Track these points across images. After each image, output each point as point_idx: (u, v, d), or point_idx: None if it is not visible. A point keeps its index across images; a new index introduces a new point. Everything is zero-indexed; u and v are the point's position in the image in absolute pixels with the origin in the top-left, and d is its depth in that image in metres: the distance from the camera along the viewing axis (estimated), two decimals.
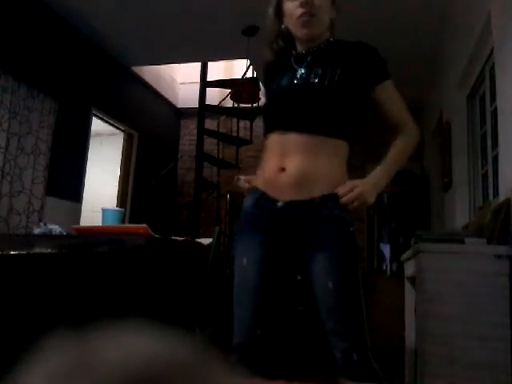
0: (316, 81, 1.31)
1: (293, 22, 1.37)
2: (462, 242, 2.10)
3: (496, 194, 2.70)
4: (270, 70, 1.53)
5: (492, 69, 2.72)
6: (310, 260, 1.26)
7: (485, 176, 3.16)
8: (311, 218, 1.27)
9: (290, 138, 1.30)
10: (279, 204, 1.29)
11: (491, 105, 2.90)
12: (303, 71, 1.36)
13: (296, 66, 1.40)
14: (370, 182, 1.31)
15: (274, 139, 1.35)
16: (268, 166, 1.35)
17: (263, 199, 1.35)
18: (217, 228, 1.99)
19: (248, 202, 1.43)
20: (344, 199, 1.26)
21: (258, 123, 6.40)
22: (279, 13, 1.41)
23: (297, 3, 1.33)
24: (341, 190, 1.26)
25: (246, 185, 1.47)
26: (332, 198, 1.27)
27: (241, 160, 6.10)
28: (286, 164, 1.29)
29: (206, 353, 0.29)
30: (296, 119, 1.31)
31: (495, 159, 2.75)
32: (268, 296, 1.32)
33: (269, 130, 1.39)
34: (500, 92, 2.47)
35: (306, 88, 1.33)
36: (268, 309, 1.32)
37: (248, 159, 6.53)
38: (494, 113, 2.73)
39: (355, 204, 1.27)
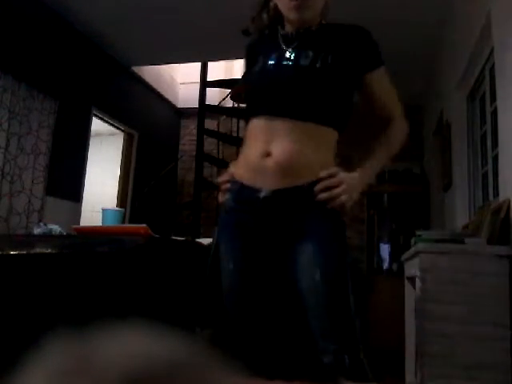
0: (307, 63, 1.21)
1: (284, 3, 1.26)
2: (462, 242, 2.10)
3: (496, 194, 2.70)
4: (253, 49, 1.44)
5: (492, 69, 2.72)
6: (296, 252, 1.16)
7: (485, 176, 3.16)
8: (298, 208, 1.16)
9: (276, 123, 1.19)
10: (262, 193, 1.17)
11: (491, 105, 2.90)
12: (293, 53, 1.26)
13: (284, 47, 1.29)
14: (356, 177, 1.21)
15: (258, 124, 1.23)
16: (250, 152, 1.23)
17: (243, 190, 1.22)
18: (217, 228, 1.98)
19: (227, 197, 1.27)
20: (320, 187, 1.15)
21: None
22: None
23: None
24: (323, 174, 1.16)
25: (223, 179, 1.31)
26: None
27: None
28: (271, 149, 1.17)
29: (206, 353, 0.29)
30: (284, 103, 1.20)
31: (495, 159, 2.75)
32: (259, 301, 1.26)
33: (252, 114, 1.27)
34: (500, 92, 2.47)
35: (296, 70, 1.23)
36: (261, 314, 1.27)
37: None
38: (494, 113, 2.72)
39: (343, 198, 1.15)
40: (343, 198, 1.16)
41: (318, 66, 1.20)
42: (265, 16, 1.39)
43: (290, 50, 1.27)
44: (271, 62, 1.28)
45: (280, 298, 1.30)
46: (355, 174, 1.21)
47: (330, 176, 1.16)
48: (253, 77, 1.35)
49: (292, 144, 1.17)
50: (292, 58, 1.25)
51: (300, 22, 1.28)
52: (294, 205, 1.17)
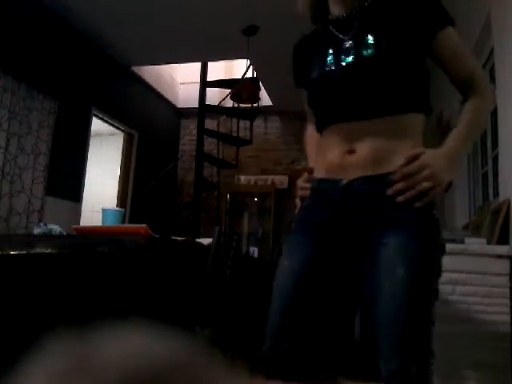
0: (371, 52, 1.05)
1: None
2: (462, 242, 2.10)
3: (496, 194, 2.70)
4: (303, 48, 1.25)
5: (492, 69, 2.72)
6: (376, 243, 0.99)
7: (485, 176, 3.16)
8: (382, 195, 1.01)
9: (355, 125, 1.06)
10: (343, 182, 1.05)
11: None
12: (351, 42, 1.09)
13: (340, 36, 1.12)
14: (442, 155, 1.02)
15: (334, 130, 1.10)
16: (330, 152, 1.10)
17: (322, 184, 1.11)
18: (217, 228, 1.98)
19: (308, 197, 1.16)
20: (398, 177, 0.98)
21: (258, 123, 6.41)
22: None
23: None
24: (404, 161, 0.99)
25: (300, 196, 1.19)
26: None
27: (241, 160, 6.10)
28: (355, 147, 1.05)
29: (206, 353, 0.29)
30: (357, 105, 1.06)
31: (495, 159, 2.75)
32: (308, 303, 1.06)
33: (323, 123, 1.14)
34: (500, 92, 2.47)
35: (360, 64, 1.07)
36: (305, 319, 1.06)
37: (248, 159, 6.54)
38: (494, 113, 2.72)
39: (424, 185, 0.97)
40: (425, 184, 0.98)
41: (384, 50, 1.05)
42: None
43: (347, 38, 1.10)
44: (329, 61, 1.11)
45: (340, 296, 1.13)
46: (440, 151, 1.03)
47: (412, 160, 1.00)
48: (314, 82, 1.17)
49: (376, 140, 1.04)
50: (351, 51, 1.08)
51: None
52: (377, 192, 1.02)
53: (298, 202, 1.20)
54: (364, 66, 1.06)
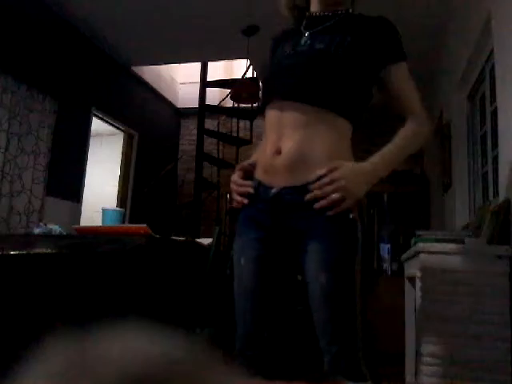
0: (322, 47, 1.18)
1: None
2: (462, 242, 2.10)
3: (496, 194, 2.70)
4: (276, 42, 1.41)
5: (492, 69, 2.72)
6: (302, 251, 1.12)
7: (485, 176, 3.16)
8: (305, 205, 1.11)
9: (286, 111, 1.16)
10: (272, 191, 1.15)
11: (491, 105, 2.90)
12: (309, 38, 1.23)
13: (304, 31, 1.26)
14: (358, 169, 1.11)
15: (271, 115, 1.21)
16: (264, 149, 1.22)
17: (260, 188, 1.21)
18: (217, 228, 1.99)
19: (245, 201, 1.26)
20: (315, 186, 1.08)
21: (258, 123, 6.41)
22: None
23: None
24: (316, 174, 1.09)
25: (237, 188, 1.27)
26: None
27: (241, 160, 6.09)
28: (281, 145, 1.15)
29: (206, 353, 0.29)
30: (294, 87, 1.16)
31: (495, 159, 2.75)
32: (268, 296, 1.21)
33: (266, 102, 1.24)
34: (500, 92, 2.47)
35: (309, 54, 1.19)
36: (269, 310, 1.22)
37: (248, 159, 6.53)
38: (494, 113, 2.72)
39: (333, 196, 1.06)
40: (334, 196, 1.07)
41: (332, 49, 1.16)
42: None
43: (307, 34, 1.24)
44: (286, 48, 1.27)
45: (288, 295, 1.26)
46: (359, 166, 1.12)
47: (330, 172, 1.09)
48: (268, 68, 1.32)
49: (302, 136, 1.13)
50: (308, 42, 1.22)
51: (328, 2, 1.26)
52: (300, 202, 1.12)
53: (238, 198, 1.26)
54: (311, 54, 1.18)
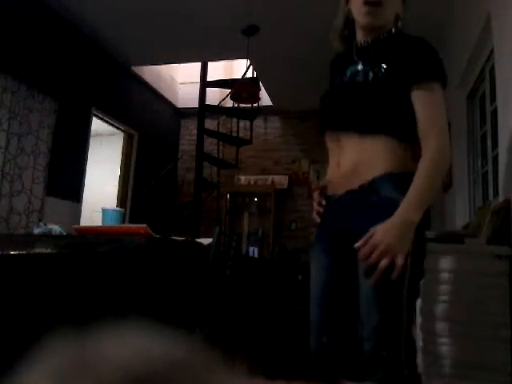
0: (361, 80, 1.26)
1: (357, 8, 1.28)
2: (462, 242, 2.09)
3: (496, 194, 2.70)
4: (334, 65, 1.46)
5: (492, 69, 2.72)
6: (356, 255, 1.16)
7: (485, 176, 3.16)
8: (359, 205, 1.18)
9: (341, 137, 1.27)
10: (334, 198, 1.28)
11: (491, 105, 2.90)
12: (359, 67, 1.29)
13: (356, 59, 1.32)
14: (392, 227, 1.09)
15: (329, 139, 1.33)
16: (329, 166, 1.35)
17: (326, 200, 1.34)
18: (217, 228, 1.98)
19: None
20: (360, 256, 1.09)
21: (258, 123, 6.41)
22: None
23: None
24: (359, 243, 1.11)
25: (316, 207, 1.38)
26: (384, 178, 1.16)
27: (241, 160, 6.10)
28: (340, 160, 1.27)
29: (206, 353, 0.29)
30: (342, 120, 1.27)
31: (495, 159, 2.75)
32: (334, 304, 1.26)
33: (321, 131, 1.37)
34: (500, 92, 2.47)
35: (352, 87, 1.29)
36: (336, 317, 1.26)
37: (248, 159, 6.54)
38: (494, 113, 2.72)
39: (382, 264, 1.06)
40: (383, 263, 1.06)
41: (370, 80, 1.23)
42: (338, 21, 1.38)
43: (359, 63, 1.30)
44: (337, 82, 1.36)
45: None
46: (390, 223, 1.10)
47: (365, 242, 1.09)
48: (325, 95, 1.39)
49: (356, 152, 1.23)
50: (351, 74, 1.30)
51: (370, 27, 1.30)
52: (355, 203, 1.19)
53: (315, 217, 1.39)
54: (353, 89, 1.28)
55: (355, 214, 1.20)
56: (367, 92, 1.23)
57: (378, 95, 1.21)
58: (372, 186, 1.18)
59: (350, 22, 1.35)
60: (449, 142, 1.18)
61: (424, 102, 1.18)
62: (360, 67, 1.29)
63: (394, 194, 1.14)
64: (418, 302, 2.11)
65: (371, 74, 1.23)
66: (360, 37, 1.34)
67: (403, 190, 1.12)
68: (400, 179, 1.18)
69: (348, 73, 1.33)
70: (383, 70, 1.22)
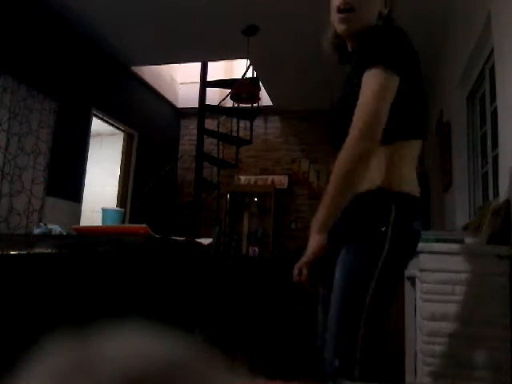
0: (347, 89, 1.22)
1: (333, 18, 1.26)
2: (462, 241, 2.10)
3: (496, 194, 2.70)
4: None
5: (492, 69, 2.72)
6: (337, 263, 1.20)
7: (485, 176, 3.16)
8: (347, 215, 1.16)
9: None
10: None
11: (491, 105, 2.90)
12: (349, 75, 1.26)
13: (348, 70, 1.29)
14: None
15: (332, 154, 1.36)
16: None
17: None
18: (217, 228, 1.98)
19: None
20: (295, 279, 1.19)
21: (258, 123, 6.41)
22: None
23: None
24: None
25: None
26: (373, 193, 1.15)
27: (241, 160, 6.10)
28: None
29: (206, 353, 0.29)
30: (333, 136, 1.28)
31: (495, 159, 2.75)
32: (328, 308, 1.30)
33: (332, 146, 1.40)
34: (500, 92, 2.47)
35: (340, 99, 1.26)
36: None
37: (248, 159, 6.54)
38: (494, 113, 2.72)
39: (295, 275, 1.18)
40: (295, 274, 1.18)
41: (346, 91, 1.21)
42: (328, 33, 1.36)
43: (350, 70, 1.26)
44: (343, 91, 1.30)
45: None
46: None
47: None
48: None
49: None
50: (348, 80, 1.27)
51: (347, 35, 1.26)
52: (346, 214, 1.17)
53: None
54: (341, 101, 1.24)
55: (342, 216, 1.17)
56: (346, 102, 1.18)
57: (352, 102, 1.13)
58: (364, 196, 1.16)
59: (335, 34, 1.34)
60: (369, 128, 1.07)
61: (361, 92, 1.09)
62: (350, 75, 1.26)
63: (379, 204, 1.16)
64: (418, 304, 2.11)
65: (355, 80, 1.16)
66: (348, 44, 1.32)
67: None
68: (380, 194, 1.16)
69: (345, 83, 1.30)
70: (350, 77, 1.20)
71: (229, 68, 6.44)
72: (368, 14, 1.22)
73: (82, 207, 4.76)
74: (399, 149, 1.18)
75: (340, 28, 1.24)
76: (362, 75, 1.10)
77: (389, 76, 1.08)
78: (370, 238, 1.14)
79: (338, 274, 1.15)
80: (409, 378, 2.78)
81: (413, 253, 1.24)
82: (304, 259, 1.16)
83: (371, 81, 1.08)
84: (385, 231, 1.11)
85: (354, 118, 1.08)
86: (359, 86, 1.10)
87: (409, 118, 1.19)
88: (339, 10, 1.21)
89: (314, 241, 1.14)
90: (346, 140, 1.09)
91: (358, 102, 1.09)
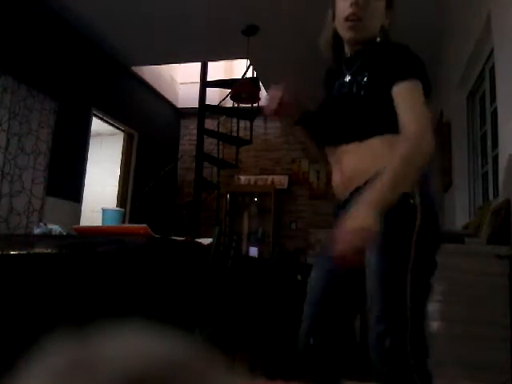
0: (346, 91, 1.31)
1: (340, 24, 1.33)
2: (462, 242, 2.10)
3: (496, 193, 2.70)
4: (328, 77, 1.50)
5: (492, 69, 2.72)
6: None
7: (485, 176, 3.16)
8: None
9: (338, 148, 1.33)
10: (340, 205, 1.32)
11: (491, 105, 2.90)
12: (347, 79, 1.34)
13: (345, 71, 1.37)
14: (355, 211, 1.10)
15: (329, 151, 1.41)
16: (332, 176, 1.39)
17: (336, 208, 1.38)
18: (217, 228, 1.98)
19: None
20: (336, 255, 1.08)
21: (258, 123, 6.41)
22: (334, 12, 1.38)
23: (347, 3, 1.28)
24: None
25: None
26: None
27: (241, 160, 6.10)
28: (341, 168, 1.32)
29: (206, 353, 0.29)
30: (336, 133, 1.34)
31: (495, 159, 2.75)
32: (329, 308, 1.32)
33: (321, 143, 1.45)
34: (500, 92, 2.47)
35: (339, 99, 1.34)
36: (327, 321, 1.32)
37: (248, 159, 6.54)
38: (494, 113, 2.72)
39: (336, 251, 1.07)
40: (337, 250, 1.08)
41: (354, 91, 1.28)
42: (326, 35, 1.43)
43: (348, 75, 1.34)
44: (328, 95, 1.42)
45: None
46: (361, 204, 1.12)
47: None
48: (319, 106, 1.46)
49: (353, 158, 1.28)
50: (338, 86, 1.36)
51: (354, 42, 1.34)
52: (351, 206, 1.17)
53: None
54: (340, 102, 1.34)
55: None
56: (352, 101, 1.28)
57: (362, 102, 1.26)
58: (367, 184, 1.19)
59: (338, 36, 1.39)
60: (428, 127, 1.16)
61: (403, 97, 1.20)
62: (347, 79, 1.34)
63: None
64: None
65: (355, 84, 1.28)
66: (347, 49, 1.39)
67: None
68: None
69: (336, 85, 1.38)
70: (366, 77, 1.27)
71: (229, 68, 6.44)
72: (375, 24, 1.33)
73: (82, 207, 4.76)
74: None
75: (347, 35, 1.34)
76: (383, 83, 1.23)
77: (421, 90, 1.22)
78: (400, 209, 1.14)
79: (371, 252, 1.15)
80: None
81: (439, 230, 1.30)
82: (362, 233, 1.06)
83: (414, 90, 1.20)
84: (413, 203, 1.16)
85: (407, 117, 1.17)
86: (368, 89, 1.25)
87: None
88: (348, 19, 1.30)
89: (374, 219, 1.06)
90: (409, 133, 1.14)
91: (404, 104, 1.19)
